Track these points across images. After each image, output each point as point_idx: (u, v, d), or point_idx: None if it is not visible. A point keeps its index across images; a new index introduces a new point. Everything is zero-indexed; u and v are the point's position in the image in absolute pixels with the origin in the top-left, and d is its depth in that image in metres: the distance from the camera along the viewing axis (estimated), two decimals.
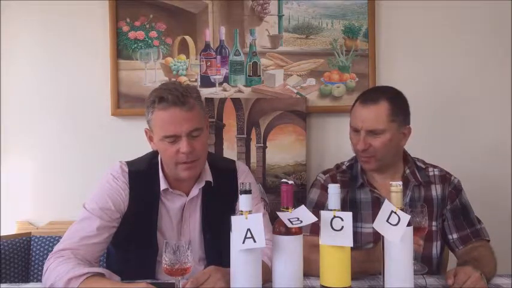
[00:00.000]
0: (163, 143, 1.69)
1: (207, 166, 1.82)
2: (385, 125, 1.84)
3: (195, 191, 1.79)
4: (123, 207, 1.74)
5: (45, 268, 1.60)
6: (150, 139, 1.77)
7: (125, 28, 2.53)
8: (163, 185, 1.76)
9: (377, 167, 1.89)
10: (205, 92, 2.52)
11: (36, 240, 2.33)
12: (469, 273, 1.55)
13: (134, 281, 1.56)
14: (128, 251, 1.77)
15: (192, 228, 1.81)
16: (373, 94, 1.91)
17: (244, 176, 1.87)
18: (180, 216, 1.80)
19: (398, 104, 1.88)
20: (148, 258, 1.75)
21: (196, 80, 2.55)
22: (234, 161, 1.96)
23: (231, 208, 1.77)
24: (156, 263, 1.75)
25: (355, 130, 1.89)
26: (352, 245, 1.38)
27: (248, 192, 1.37)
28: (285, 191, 1.40)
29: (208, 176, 1.81)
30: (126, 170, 1.78)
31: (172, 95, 1.65)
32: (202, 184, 1.80)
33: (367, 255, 1.70)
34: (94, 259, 1.67)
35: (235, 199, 1.70)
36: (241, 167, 1.91)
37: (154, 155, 1.82)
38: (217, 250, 1.72)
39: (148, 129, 1.76)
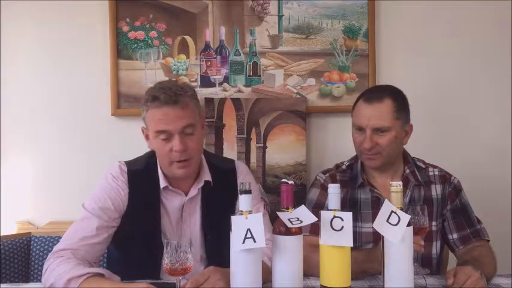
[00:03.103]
0: (157, 141, 1.71)
1: (205, 166, 1.83)
2: (390, 123, 1.84)
3: (194, 190, 1.80)
4: (122, 206, 1.75)
5: (44, 268, 1.60)
6: (147, 137, 1.78)
7: (125, 28, 2.53)
8: (163, 183, 1.77)
9: (381, 164, 1.89)
10: (205, 92, 2.52)
11: (36, 240, 2.33)
12: (469, 273, 1.55)
13: (134, 281, 1.56)
14: (132, 251, 1.77)
15: (192, 228, 1.81)
16: (377, 92, 1.91)
17: (244, 176, 1.87)
18: (179, 216, 1.80)
19: (401, 102, 1.89)
20: (153, 258, 1.74)
21: (196, 80, 2.55)
22: (233, 161, 1.96)
23: (231, 208, 1.77)
24: (161, 262, 1.75)
25: (359, 129, 1.89)
26: (352, 245, 1.38)
27: (248, 192, 1.37)
28: (285, 191, 1.40)
29: (207, 176, 1.81)
30: (125, 169, 1.79)
31: (166, 94, 1.67)
32: (201, 184, 1.80)
33: (367, 255, 1.70)
34: (94, 259, 1.67)
35: (235, 198, 1.71)
36: (240, 166, 1.92)
37: (152, 154, 1.83)
38: (218, 250, 1.72)
39: (144, 127, 1.77)
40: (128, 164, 1.82)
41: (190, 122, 1.69)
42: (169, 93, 1.67)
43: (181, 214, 1.80)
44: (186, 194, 1.80)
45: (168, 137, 1.69)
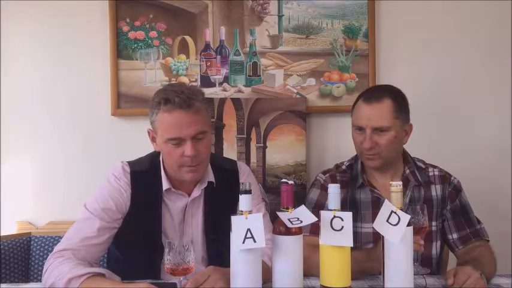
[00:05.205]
0: (167, 146, 1.69)
1: (209, 167, 1.82)
2: (390, 122, 1.85)
3: (197, 191, 1.79)
4: (124, 207, 1.74)
5: (45, 268, 1.60)
6: (153, 140, 1.76)
7: (125, 28, 2.53)
8: (165, 185, 1.76)
9: (381, 164, 1.89)
10: (205, 92, 2.51)
11: (36, 240, 2.33)
12: (469, 273, 1.56)
13: (135, 281, 1.56)
14: (132, 251, 1.77)
15: (194, 229, 1.81)
16: (376, 92, 1.91)
17: (246, 177, 1.87)
18: (181, 217, 1.80)
19: (400, 102, 1.89)
20: (153, 258, 1.73)
21: (196, 80, 2.55)
22: (235, 162, 1.96)
23: (233, 209, 1.77)
24: (161, 263, 1.75)
25: (359, 129, 1.89)
26: (352, 245, 1.38)
27: (248, 192, 1.38)
28: (285, 191, 1.41)
29: (210, 177, 1.81)
30: (128, 170, 1.78)
31: (179, 97, 1.64)
32: (205, 185, 1.79)
33: (367, 255, 1.70)
34: (94, 260, 1.67)
35: (237, 200, 1.71)
36: (242, 167, 1.92)
37: (155, 155, 1.82)
38: (219, 250, 1.72)
39: (151, 130, 1.75)
40: (131, 164, 1.80)
41: (203, 129, 1.68)
42: (183, 97, 1.64)
43: (184, 215, 1.80)
44: (189, 195, 1.79)
45: (179, 142, 1.67)
